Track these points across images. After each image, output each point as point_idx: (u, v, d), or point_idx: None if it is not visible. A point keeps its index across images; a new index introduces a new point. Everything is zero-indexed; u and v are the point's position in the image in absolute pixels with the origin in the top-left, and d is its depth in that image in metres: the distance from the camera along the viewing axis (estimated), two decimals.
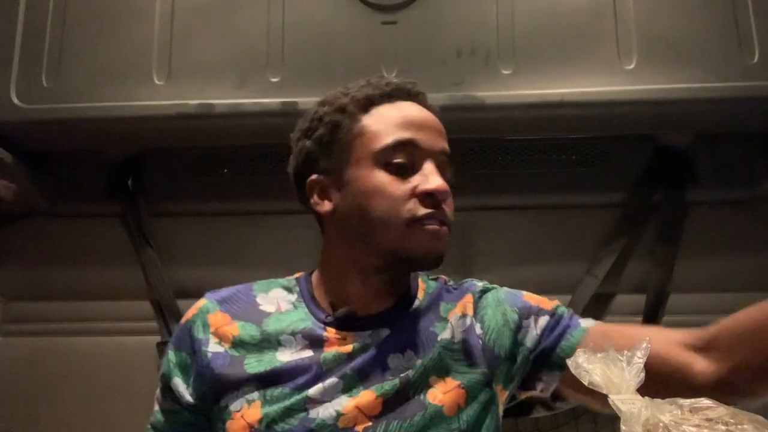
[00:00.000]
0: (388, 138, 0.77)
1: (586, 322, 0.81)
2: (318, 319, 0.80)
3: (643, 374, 0.63)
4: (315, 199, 0.83)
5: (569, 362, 0.63)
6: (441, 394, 0.75)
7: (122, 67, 1.30)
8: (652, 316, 1.31)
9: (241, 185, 1.44)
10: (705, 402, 0.57)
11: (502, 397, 0.80)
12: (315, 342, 0.78)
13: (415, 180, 0.76)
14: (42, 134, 1.34)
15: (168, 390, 0.80)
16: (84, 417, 1.34)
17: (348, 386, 0.74)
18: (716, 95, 1.22)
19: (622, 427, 0.57)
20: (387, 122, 0.78)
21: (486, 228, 1.41)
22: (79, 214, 1.47)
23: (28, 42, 1.32)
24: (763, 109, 1.23)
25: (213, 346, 0.78)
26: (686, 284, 1.34)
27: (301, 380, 0.74)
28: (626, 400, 0.63)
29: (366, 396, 0.73)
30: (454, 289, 0.88)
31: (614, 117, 1.27)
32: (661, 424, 0.58)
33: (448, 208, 0.77)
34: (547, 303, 0.84)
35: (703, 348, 0.74)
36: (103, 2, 1.34)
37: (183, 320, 0.84)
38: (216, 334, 0.79)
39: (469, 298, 0.84)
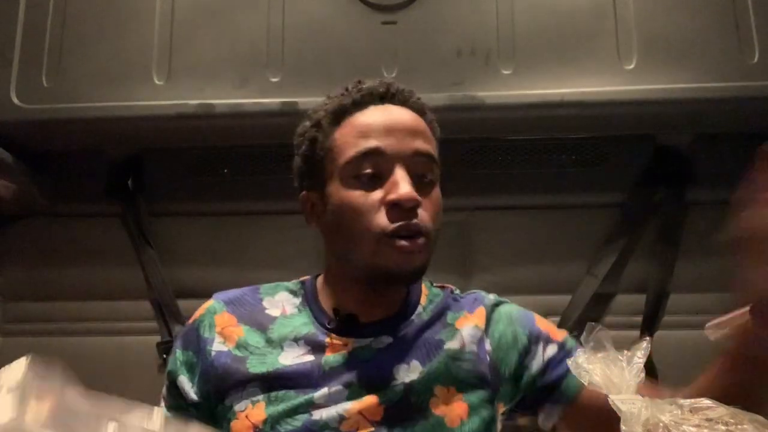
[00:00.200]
0: (353, 150, 0.75)
1: None
2: (321, 324, 0.80)
3: (643, 374, 0.63)
4: (307, 215, 0.83)
5: (569, 362, 0.63)
6: (444, 404, 0.74)
7: (122, 67, 1.30)
8: (652, 316, 1.31)
9: (241, 185, 1.44)
10: (705, 402, 0.57)
11: (500, 410, 0.80)
12: (316, 347, 0.78)
13: (384, 190, 0.74)
14: (42, 134, 1.34)
15: (174, 388, 0.80)
16: None
17: (352, 394, 0.74)
18: (716, 95, 1.22)
19: (622, 427, 0.57)
20: (351, 133, 0.77)
21: (486, 228, 1.41)
22: (79, 214, 1.47)
23: (28, 42, 1.32)
24: (763, 109, 1.23)
25: (217, 345, 0.79)
26: (686, 284, 1.34)
27: (304, 383, 0.74)
28: (626, 400, 0.63)
29: (369, 401, 0.73)
30: (461, 298, 0.87)
31: (614, 117, 1.27)
32: (661, 424, 0.58)
33: (426, 212, 0.75)
34: (556, 333, 0.83)
35: None
36: (103, 2, 1.34)
37: (191, 320, 0.84)
38: (221, 333, 0.80)
39: (481, 311, 0.83)
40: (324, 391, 0.74)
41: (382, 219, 0.73)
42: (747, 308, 0.59)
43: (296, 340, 0.78)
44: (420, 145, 0.77)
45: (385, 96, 0.79)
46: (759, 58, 1.22)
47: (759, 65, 1.22)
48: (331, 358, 0.76)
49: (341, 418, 0.72)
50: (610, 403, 0.60)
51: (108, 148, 1.43)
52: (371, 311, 0.80)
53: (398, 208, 0.73)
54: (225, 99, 1.27)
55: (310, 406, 0.73)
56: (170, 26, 1.31)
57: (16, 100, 1.29)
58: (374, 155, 0.75)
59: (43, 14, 1.33)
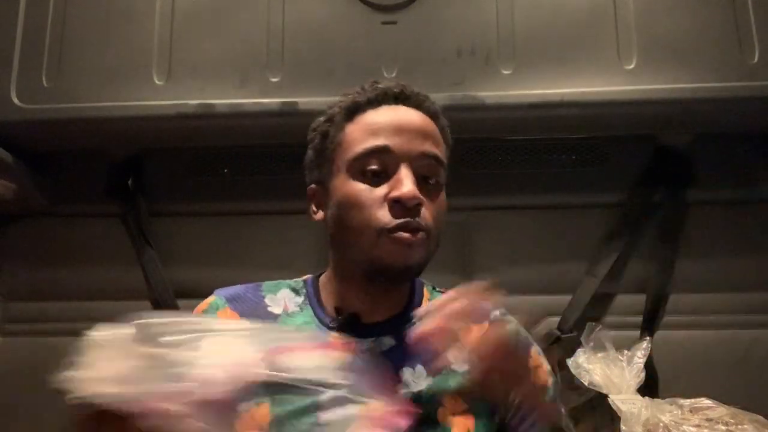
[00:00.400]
0: (361, 146, 0.76)
1: None
2: (322, 323, 0.80)
3: (643, 374, 0.64)
4: (312, 208, 0.84)
5: (569, 362, 0.63)
6: (452, 415, 0.75)
7: (122, 67, 1.30)
8: (652, 316, 1.31)
9: (241, 185, 1.44)
10: (705, 402, 0.57)
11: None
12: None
13: (388, 186, 0.75)
14: (42, 134, 1.34)
15: None
16: None
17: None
18: (716, 95, 1.22)
19: (622, 427, 0.57)
20: (363, 130, 0.78)
21: (486, 228, 1.41)
22: (79, 214, 1.47)
23: (28, 42, 1.32)
24: (763, 109, 1.23)
25: None
26: (686, 284, 1.34)
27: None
28: (626, 400, 0.63)
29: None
30: None
31: (614, 117, 1.27)
32: (661, 424, 0.58)
33: (428, 212, 0.76)
34: (544, 377, 0.83)
35: None
36: (103, 2, 1.34)
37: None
38: None
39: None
40: (330, 393, 0.74)
41: (384, 214, 0.73)
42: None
43: None
44: (428, 147, 0.78)
45: (400, 97, 0.80)
46: (759, 58, 1.22)
47: (759, 65, 1.22)
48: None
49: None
50: (611, 402, 0.60)
51: (108, 148, 1.43)
52: (373, 311, 0.80)
53: (400, 206, 0.73)
54: (225, 99, 1.27)
55: (316, 408, 0.73)
56: (170, 26, 1.31)
57: (16, 100, 1.29)
58: (382, 153, 0.76)
59: (43, 14, 1.33)
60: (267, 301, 0.84)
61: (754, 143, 1.36)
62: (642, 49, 1.25)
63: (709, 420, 0.66)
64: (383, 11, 1.30)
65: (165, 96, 1.28)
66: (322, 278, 0.87)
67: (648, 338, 1.22)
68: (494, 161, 1.41)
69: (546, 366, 0.85)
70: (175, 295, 1.37)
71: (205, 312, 0.83)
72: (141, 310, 1.52)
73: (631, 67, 1.25)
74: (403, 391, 0.75)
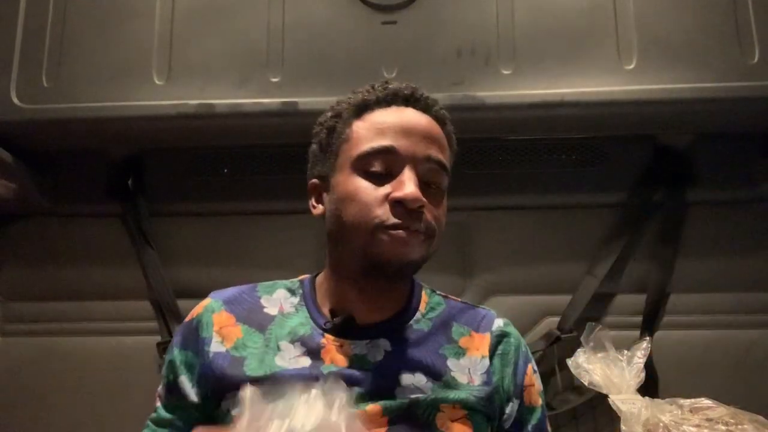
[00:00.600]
0: (367, 145, 0.76)
1: None
2: (317, 325, 0.80)
3: (643, 374, 0.64)
4: (312, 202, 0.83)
5: (569, 362, 0.63)
6: (450, 421, 0.75)
7: (122, 67, 1.30)
8: (652, 316, 1.31)
9: (241, 185, 1.44)
10: (705, 402, 0.57)
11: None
12: (313, 348, 0.78)
13: (390, 186, 0.75)
14: (42, 134, 1.34)
15: (174, 387, 0.80)
16: (84, 417, 1.34)
17: (356, 399, 0.74)
18: (716, 95, 1.22)
19: (622, 427, 0.57)
20: (371, 128, 0.78)
21: (486, 228, 1.41)
22: (79, 214, 1.47)
23: (28, 42, 1.32)
24: (763, 109, 1.23)
25: (215, 346, 0.79)
26: (686, 284, 1.34)
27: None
28: (626, 400, 0.63)
29: (372, 410, 0.73)
30: (469, 309, 0.87)
31: (614, 117, 1.27)
32: (661, 424, 0.58)
33: (430, 214, 0.76)
34: (535, 397, 0.84)
35: None
36: (103, 2, 1.34)
37: (188, 318, 0.84)
38: (219, 333, 0.80)
39: (487, 339, 0.83)
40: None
41: (383, 212, 0.73)
42: None
43: (293, 341, 0.78)
44: (433, 152, 0.78)
45: (410, 99, 0.80)
46: (759, 58, 1.22)
47: (759, 65, 1.22)
48: (331, 366, 0.76)
49: None
50: (611, 403, 0.60)
51: (108, 148, 1.43)
52: (370, 312, 0.80)
53: (401, 207, 0.73)
54: (225, 99, 1.27)
55: None
56: (170, 26, 1.31)
57: (16, 100, 1.29)
58: (387, 153, 0.76)
59: (43, 14, 1.33)
60: (263, 302, 0.84)
61: (754, 143, 1.36)
62: (642, 49, 1.25)
63: (709, 420, 0.65)
64: (383, 11, 1.30)
65: (165, 96, 1.28)
66: (319, 278, 0.87)
67: (648, 338, 1.22)
68: (494, 161, 1.41)
69: (538, 386, 0.85)
70: (175, 295, 1.38)
71: (200, 315, 0.82)
72: (141, 310, 1.53)
73: (631, 67, 1.25)
74: (400, 396, 0.74)
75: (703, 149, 1.37)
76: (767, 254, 1.35)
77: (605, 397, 1.09)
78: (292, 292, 0.85)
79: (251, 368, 0.76)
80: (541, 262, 1.38)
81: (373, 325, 0.80)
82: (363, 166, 0.76)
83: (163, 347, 1.34)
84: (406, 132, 0.77)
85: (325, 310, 0.82)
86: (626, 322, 1.32)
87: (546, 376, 1.27)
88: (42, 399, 1.35)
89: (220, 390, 0.76)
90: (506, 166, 1.41)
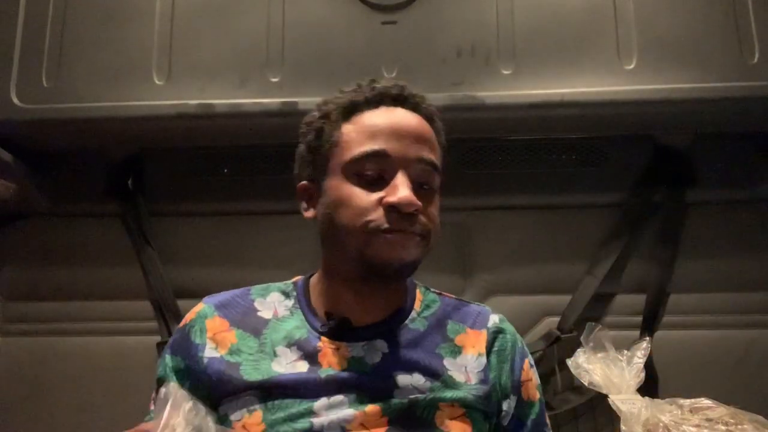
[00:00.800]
0: (359, 149, 0.76)
1: None
2: (313, 328, 0.80)
3: (643, 374, 0.64)
4: (303, 205, 0.83)
5: (569, 362, 0.63)
6: (449, 419, 0.75)
7: (122, 67, 1.30)
8: (652, 316, 1.31)
9: (241, 185, 1.44)
10: (705, 402, 0.57)
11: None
12: (309, 352, 0.77)
13: (384, 191, 0.74)
14: (42, 134, 1.34)
15: None
16: (84, 417, 1.34)
17: (353, 402, 0.74)
18: (716, 95, 1.22)
19: (622, 427, 0.57)
20: (361, 132, 0.77)
21: (486, 228, 1.41)
22: (79, 214, 1.47)
23: (28, 42, 1.32)
24: (763, 109, 1.23)
25: (209, 351, 0.78)
26: (686, 284, 1.34)
27: (302, 391, 0.74)
28: (626, 400, 0.63)
29: (371, 410, 0.73)
30: (463, 306, 0.87)
31: (614, 117, 1.27)
32: (661, 424, 0.58)
33: (425, 217, 0.76)
34: (533, 391, 0.84)
35: None
36: (103, 2, 1.34)
37: (181, 324, 0.83)
38: (213, 339, 0.79)
39: (483, 335, 0.83)
40: (324, 400, 0.73)
41: (377, 216, 0.73)
42: None
43: (289, 345, 0.78)
44: (425, 153, 0.77)
45: (398, 99, 0.79)
46: (759, 58, 1.22)
47: (759, 65, 1.22)
48: (328, 370, 0.76)
49: (343, 428, 0.72)
50: (611, 403, 0.60)
51: (108, 148, 1.42)
52: (365, 313, 0.80)
53: (396, 211, 0.73)
54: (225, 99, 1.27)
55: (311, 414, 0.73)
56: (170, 26, 1.31)
57: (16, 100, 1.29)
58: (379, 157, 0.75)
59: (43, 14, 1.33)
60: (257, 305, 0.83)
61: (754, 143, 1.36)
62: (642, 49, 1.25)
63: (709, 420, 0.65)
64: (383, 11, 1.30)
65: (165, 96, 1.28)
66: (313, 279, 0.87)
67: (648, 338, 1.22)
68: (494, 161, 1.41)
69: (536, 380, 0.85)
70: (174, 295, 1.37)
71: (193, 321, 0.82)
72: (141, 310, 1.53)
73: (631, 67, 1.25)
74: (399, 396, 0.74)
75: (703, 149, 1.37)
76: (767, 254, 1.35)
77: (605, 397, 1.09)
78: (286, 294, 0.85)
79: (247, 373, 0.76)
80: (540, 262, 1.38)
81: (369, 327, 0.80)
82: (355, 170, 0.76)
83: (163, 347, 1.34)
84: (397, 134, 0.76)
85: (320, 313, 0.82)
86: (626, 322, 1.32)
87: (546, 376, 1.27)
88: (42, 399, 1.35)
89: (217, 395, 0.76)
90: (506, 166, 1.41)
